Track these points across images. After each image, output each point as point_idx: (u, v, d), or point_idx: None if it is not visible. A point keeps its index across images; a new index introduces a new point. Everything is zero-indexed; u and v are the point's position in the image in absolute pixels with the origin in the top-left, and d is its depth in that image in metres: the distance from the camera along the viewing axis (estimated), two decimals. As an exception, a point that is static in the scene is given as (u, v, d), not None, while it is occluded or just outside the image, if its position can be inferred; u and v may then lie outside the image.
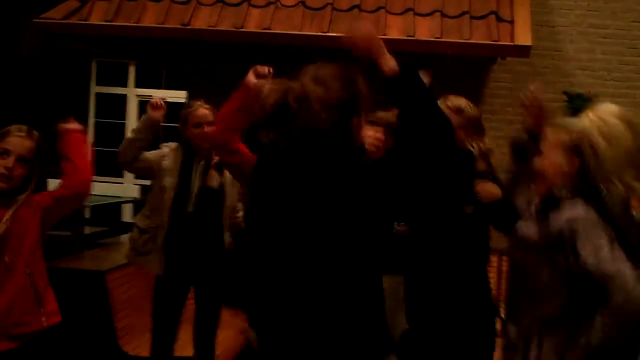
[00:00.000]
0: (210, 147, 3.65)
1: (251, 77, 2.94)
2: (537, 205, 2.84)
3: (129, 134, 4.55)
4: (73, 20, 6.63)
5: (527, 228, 2.85)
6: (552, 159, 2.80)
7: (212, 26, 6.39)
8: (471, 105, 3.45)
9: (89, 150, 3.24)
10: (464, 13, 6.33)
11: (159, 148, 4.31)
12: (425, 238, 3.31)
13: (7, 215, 2.95)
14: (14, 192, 3.00)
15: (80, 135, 3.22)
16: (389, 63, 2.68)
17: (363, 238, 2.48)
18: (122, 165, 4.36)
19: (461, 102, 3.42)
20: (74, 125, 3.21)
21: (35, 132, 3.10)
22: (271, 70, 3.02)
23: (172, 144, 4.30)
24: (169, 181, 4.15)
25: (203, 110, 4.25)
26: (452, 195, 3.25)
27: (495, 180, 3.43)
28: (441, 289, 3.24)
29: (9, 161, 2.97)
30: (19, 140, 3.02)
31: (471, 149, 3.36)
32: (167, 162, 4.19)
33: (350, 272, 2.44)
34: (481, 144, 3.42)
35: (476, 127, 3.46)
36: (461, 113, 3.36)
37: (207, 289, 4.29)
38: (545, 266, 2.71)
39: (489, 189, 3.37)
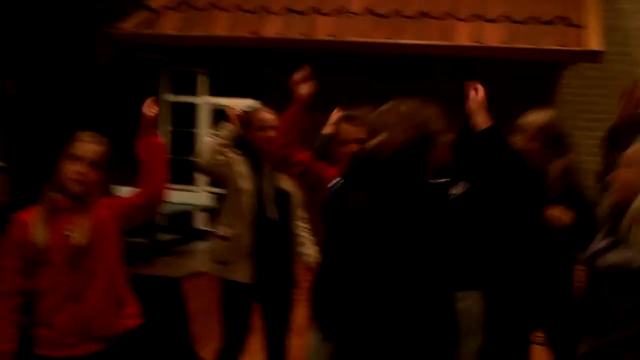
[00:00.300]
0: (275, 155, 3.68)
1: (301, 90, 3.03)
2: (607, 220, 2.78)
3: (208, 138, 4.55)
4: (146, 31, 6.77)
5: (600, 245, 2.78)
6: (627, 174, 2.73)
7: (281, 34, 6.45)
8: (552, 122, 3.43)
9: (165, 158, 3.28)
10: (532, 18, 6.25)
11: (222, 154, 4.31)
12: (503, 253, 3.31)
13: (85, 222, 3.04)
14: (88, 197, 3.08)
15: (158, 144, 3.26)
16: (482, 120, 2.97)
17: (442, 260, 2.62)
18: (201, 171, 4.38)
19: (540, 118, 3.40)
20: (152, 133, 3.25)
21: (104, 138, 3.14)
22: (308, 72, 3.10)
23: (236, 150, 4.28)
24: (245, 187, 4.16)
25: (266, 114, 4.26)
26: (523, 215, 3.31)
27: (574, 200, 3.38)
28: (522, 303, 3.24)
29: (82, 166, 3.03)
30: (89, 146, 3.06)
31: (545, 169, 3.35)
32: (239, 168, 4.20)
33: (430, 292, 2.55)
34: (560, 163, 3.39)
35: (558, 145, 3.42)
36: (542, 130, 3.34)
37: (281, 295, 4.28)
38: (623, 291, 2.65)
39: (557, 215, 3.34)
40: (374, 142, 2.62)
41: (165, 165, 3.22)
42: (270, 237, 4.13)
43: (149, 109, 3.25)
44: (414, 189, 2.60)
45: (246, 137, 4.20)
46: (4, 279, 3.00)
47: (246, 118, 4.24)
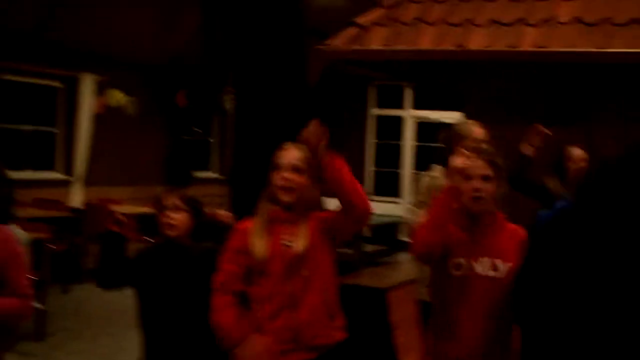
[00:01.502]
0: None
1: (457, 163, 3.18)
2: None
3: (426, 178, 4.53)
4: (354, 46, 6.95)
5: None
6: None
7: (487, 47, 6.41)
8: None
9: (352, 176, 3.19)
10: None
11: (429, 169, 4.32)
12: None
13: (302, 230, 3.14)
14: (301, 206, 3.16)
15: (344, 163, 3.20)
16: None
17: None
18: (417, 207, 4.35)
19: None
20: (335, 155, 3.20)
21: (303, 145, 3.20)
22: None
23: (439, 167, 4.27)
24: None
25: (476, 128, 4.22)
26: None
27: None
28: None
29: (285, 172, 3.13)
30: (289, 152, 3.17)
31: None
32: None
33: None
34: None
35: None
36: None
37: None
38: None
39: None
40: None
41: (357, 182, 3.17)
42: None
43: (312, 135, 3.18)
44: None
45: (449, 153, 4.20)
46: (224, 279, 3.17)
47: (450, 133, 4.24)
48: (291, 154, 3.17)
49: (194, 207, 3.48)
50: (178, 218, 3.40)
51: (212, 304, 3.17)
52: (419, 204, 4.23)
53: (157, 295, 3.44)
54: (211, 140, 12.89)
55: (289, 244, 3.12)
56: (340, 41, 7.00)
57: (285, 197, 3.13)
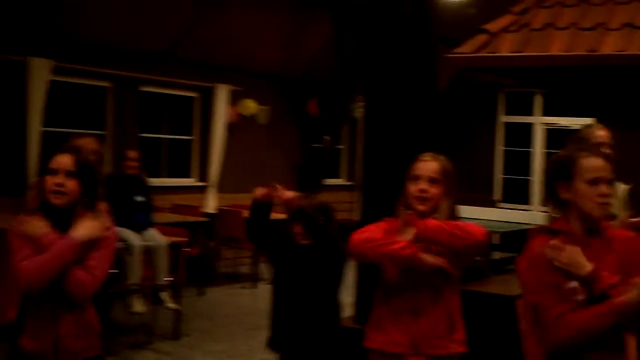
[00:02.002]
0: None
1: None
2: None
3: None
4: (483, 54, 6.92)
5: None
6: None
7: (620, 51, 6.25)
8: None
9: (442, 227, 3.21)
10: None
11: None
12: None
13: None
14: (431, 213, 3.23)
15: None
16: None
17: None
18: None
19: None
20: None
21: (441, 156, 3.31)
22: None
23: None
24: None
25: (600, 131, 4.16)
26: None
27: None
28: None
29: (422, 184, 3.21)
30: (427, 165, 3.25)
31: None
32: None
33: None
34: None
35: None
36: None
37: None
38: None
39: None
40: None
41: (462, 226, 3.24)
42: None
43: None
44: None
45: None
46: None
47: (578, 136, 4.21)
48: (428, 166, 3.24)
49: (325, 213, 3.73)
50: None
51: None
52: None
53: (286, 289, 3.73)
54: (341, 148, 13.08)
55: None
56: (469, 48, 6.98)
57: (421, 207, 3.21)
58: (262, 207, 3.96)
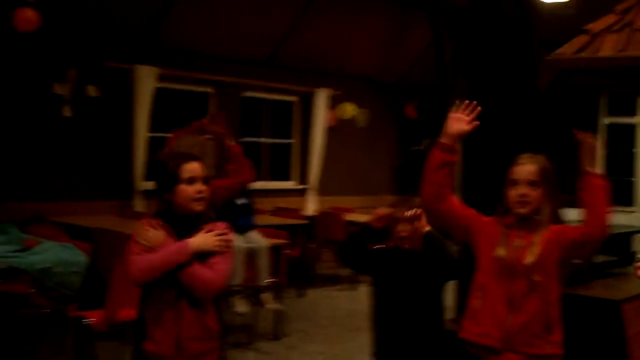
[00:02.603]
0: None
1: None
2: None
3: None
4: (584, 55, 6.80)
5: None
6: None
7: None
8: None
9: (607, 198, 3.22)
10: None
11: None
12: None
13: (537, 240, 3.20)
14: (536, 217, 3.22)
15: (599, 185, 3.22)
16: None
17: None
18: None
19: None
20: (594, 171, 3.23)
21: (539, 157, 3.28)
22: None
23: None
24: None
25: None
26: None
27: None
28: None
29: (521, 188, 3.19)
30: (524, 168, 3.23)
31: None
32: None
33: None
34: None
35: None
36: None
37: None
38: None
39: None
40: None
41: (606, 206, 3.22)
42: None
43: (586, 140, 3.26)
44: None
45: None
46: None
47: None
48: (526, 169, 3.23)
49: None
50: (409, 229, 3.56)
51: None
52: None
53: (390, 294, 3.64)
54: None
55: (520, 246, 3.20)
56: (570, 49, 6.88)
57: (522, 210, 3.20)
58: (372, 233, 3.65)
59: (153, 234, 3.12)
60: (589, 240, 3.20)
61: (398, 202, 3.73)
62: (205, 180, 3.19)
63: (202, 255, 3.13)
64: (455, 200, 3.40)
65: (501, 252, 3.21)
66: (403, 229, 3.58)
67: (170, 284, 3.12)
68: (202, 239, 3.13)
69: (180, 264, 3.07)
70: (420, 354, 3.57)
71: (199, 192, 3.15)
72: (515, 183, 3.22)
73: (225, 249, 3.18)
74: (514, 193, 3.21)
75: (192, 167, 3.18)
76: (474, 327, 3.27)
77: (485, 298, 3.25)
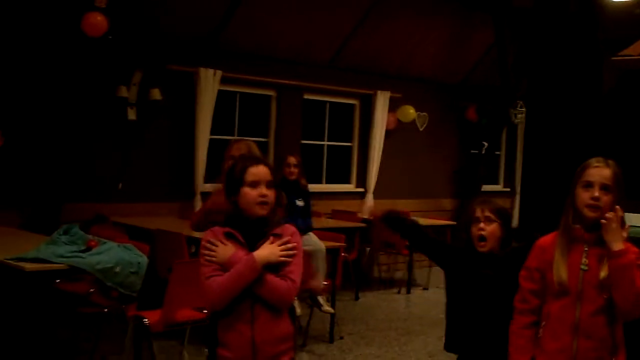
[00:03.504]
0: None
1: None
2: None
3: None
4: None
5: None
6: None
7: None
8: None
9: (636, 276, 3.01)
10: None
11: None
12: None
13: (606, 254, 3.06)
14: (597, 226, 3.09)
15: (626, 261, 3.00)
16: None
17: None
18: None
19: None
20: (618, 248, 3.00)
21: (611, 161, 3.15)
22: None
23: None
24: None
25: None
26: None
27: None
28: None
29: (595, 192, 3.06)
30: (598, 170, 3.10)
31: None
32: None
33: None
34: None
35: None
36: None
37: None
38: None
39: None
40: None
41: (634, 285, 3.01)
42: None
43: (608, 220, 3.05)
44: None
45: None
46: (521, 297, 3.25)
47: None
48: (601, 172, 3.10)
49: (504, 218, 3.62)
50: (489, 229, 3.56)
51: (511, 324, 3.28)
52: None
53: (463, 294, 3.64)
54: (499, 154, 12.87)
55: (586, 267, 3.08)
56: (635, 50, 6.74)
57: (592, 214, 3.07)
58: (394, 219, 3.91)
59: (222, 250, 3.15)
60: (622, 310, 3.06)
61: (478, 202, 3.70)
62: (270, 184, 3.19)
63: (274, 266, 3.16)
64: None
65: (561, 274, 3.09)
66: (480, 229, 3.58)
67: (245, 294, 3.14)
68: (267, 252, 3.15)
69: (251, 280, 3.10)
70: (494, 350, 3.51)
71: (262, 195, 3.16)
72: (588, 185, 3.10)
73: (291, 258, 3.19)
74: (586, 195, 3.09)
75: (257, 171, 3.19)
76: (542, 356, 3.17)
77: (554, 324, 3.14)
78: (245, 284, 3.09)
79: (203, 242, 3.21)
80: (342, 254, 7.50)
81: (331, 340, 7.17)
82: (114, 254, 5.48)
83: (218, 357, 3.21)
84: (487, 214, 3.56)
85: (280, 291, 3.13)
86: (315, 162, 10.48)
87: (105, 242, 5.61)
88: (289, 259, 3.18)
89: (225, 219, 3.27)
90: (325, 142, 10.72)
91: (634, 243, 3.09)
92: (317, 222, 8.10)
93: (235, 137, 9.16)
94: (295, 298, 6.80)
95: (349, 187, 10.85)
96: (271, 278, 3.12)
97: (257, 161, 3.24)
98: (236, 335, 3.16)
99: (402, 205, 10.74)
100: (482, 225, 3.56)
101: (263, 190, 3.16)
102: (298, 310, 6.88)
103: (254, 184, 3.16)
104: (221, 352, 3.20)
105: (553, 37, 5.48)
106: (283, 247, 3.16)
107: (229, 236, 3.19)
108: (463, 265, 3.64)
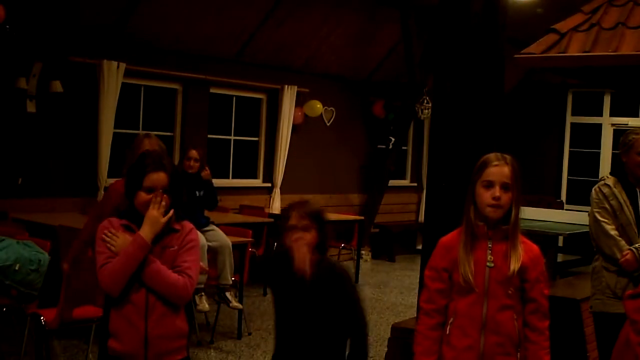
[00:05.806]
0: None
1: None
2: None
3: None
4: (552, 54, 6.82)
5: None
6: None
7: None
8: None
9: None
10: None
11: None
12: None
13: (516, 252, 3.07)
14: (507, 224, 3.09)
15: None
16: None
17: None
18: None
19: None
20: None
21: (509, 157, 3.14)
22: None
23: (610, 179, 4.33)
24: (625, 219, 4.16)
25: None
26: None
27: None
28: None
29: (495, 191, 3.05)
30: (498, 169, 3.07)
31: None
32: (614, 202, 4.24)
33: None
34: None
35: None
36: None
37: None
38: None
39: None
40: None
41: None
42: None
43: None
44: None
45: (624, 162, 4.20)
46: (429, 298, 3.20)
47: (627, 141, 4.24)
48: (501, 171, 3.09)
49: (320, 221, 3.36)
50: (308, 239, 3.29)
51: (416, 324, 3.25)
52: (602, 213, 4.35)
53: (284, 300, 3.48)
54: (406, 149, 13.05)
55: (491, 264, 3.08)
56: (537, 48, 6.90)
57: (494, 215, 3.07)
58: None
59: (122, 240, 3.13)
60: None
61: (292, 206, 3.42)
62: (166, 190, 3.17)
63: (172, 265, 3.15)
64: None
65: (466, 272, 3.07)
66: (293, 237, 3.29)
67: (140, 284, 3.12)
68: (149, 223, 3.12)
69: (142, 261, 3.08)
70: None
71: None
72: (490, 185, 3.08)
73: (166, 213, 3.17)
74: (488, 195, 3.07)
75: (156, 177, 3.18)
76: (450, 352, 3.14)
77: (461, 321, 3.13)
78: (137, 263, 3.07)
79: (99, 233, 3.17)
80: (250, 249, 7.45)
81: (239, 336, 7.10)
82: (12, 251, 5.32)
83: (108, 349, 3.16)
84: (302, 221, 3.30)
85: (176, 286, 3.11)
86: (222, 157, 10.39)
87: (3, 239, 5.43)
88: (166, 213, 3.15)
89: (123, 212, 3.26)
90: (232, 137, 10.63)
91: (529, 237, 3.16)
92: (224, 218, 8.02)
93: (141, 132, 8.98)
94: (203, 294, 6.79)
95: (256, 182, 10.80)
96: (165, 270, 3.11)
97: (158, 167, 3.20)
98: (128, 327, 3.12)
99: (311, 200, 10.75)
100: (294, 233, 3.28)
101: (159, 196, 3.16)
102: (205, 306, 6.81)
103: (150, 190, 3.16)
104: (111, 344, 3.15)
105: (457, 36, 5.56)
106: (157, 204, 3.13)
107: (127, 228, 3.19)
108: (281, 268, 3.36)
